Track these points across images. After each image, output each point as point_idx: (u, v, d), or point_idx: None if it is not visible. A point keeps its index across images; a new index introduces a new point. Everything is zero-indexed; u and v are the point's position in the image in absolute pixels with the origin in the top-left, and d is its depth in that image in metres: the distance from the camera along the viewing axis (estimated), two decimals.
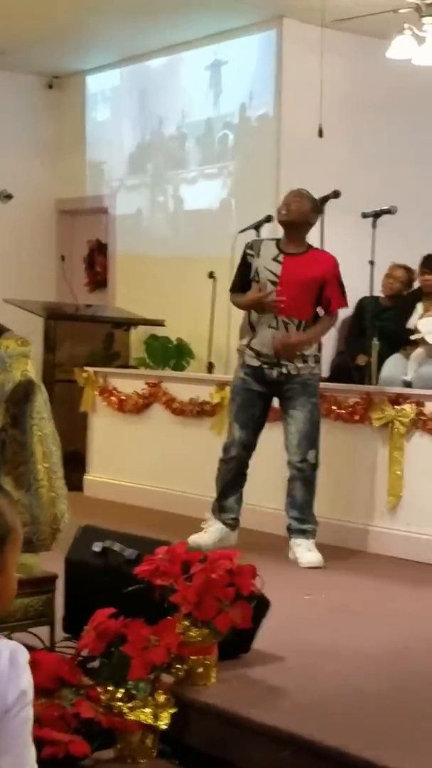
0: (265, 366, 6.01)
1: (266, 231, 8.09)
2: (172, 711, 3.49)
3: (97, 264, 10.85)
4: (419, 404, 6.04)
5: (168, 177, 10.08)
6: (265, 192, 9.05)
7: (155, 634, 3.57)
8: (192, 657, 3.73)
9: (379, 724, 3.35)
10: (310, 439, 5.99)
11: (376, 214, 7.09)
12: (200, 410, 7.28)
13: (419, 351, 7.05)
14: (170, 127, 10.02)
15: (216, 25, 9.09)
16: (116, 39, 9.65)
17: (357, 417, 6.31)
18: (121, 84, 10.50)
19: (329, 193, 7.01)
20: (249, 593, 3.80)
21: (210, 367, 8.54)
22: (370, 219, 7.08)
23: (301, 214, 6.00)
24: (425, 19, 7.48)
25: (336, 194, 7.03)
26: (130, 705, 3.46)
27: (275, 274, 5.94)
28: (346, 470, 6.34)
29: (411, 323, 7.32)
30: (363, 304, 7.80)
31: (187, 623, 3.74)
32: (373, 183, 8.89)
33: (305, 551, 5.90)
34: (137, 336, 9.53)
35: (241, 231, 8.29)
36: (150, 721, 3.45)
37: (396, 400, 6.14)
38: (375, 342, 7.01)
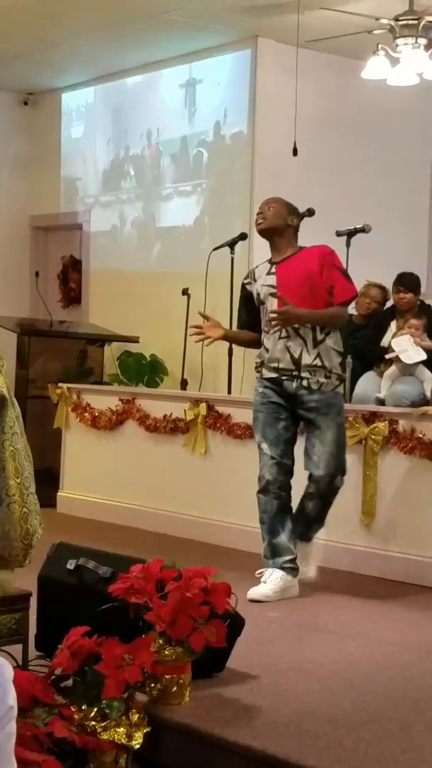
0: (284, 378, 5.61)
1: (240, 248, 8.13)
2: (146, 730, 3.48)
3: (71, 280, 10.85)
4: (392, 422, 6.06)
5: (142, 194, 10.10)
6: (239, 210, 9.08)
7: (129, 653, 3.56)
8: (166, 676, 3.72)
9: (351, 743, 3.35)
10: (337, 460, 5.64)
11: (350, 233, 7.12)
12: (174, 427, 7.28)
13: (392, 369, 7.08)
14: (145, 144, 10.04)
15: (191, 43, 9.12)
16: (91, 57, 9.68)
17: None
18: (96, 101, 10.53)
19: (303, 212, 7.01)
20: (223, 612, 3.79)
21: (184, 384, 8.54)
22: (344, 237, 7.10)
23: (278, 217, 5.78)
24: (399, 40, 7.52)
25: (310, 212, 7.04)
26: (103, 724, 3.44)
27: (273, 286, 5.69)
28: None
29: (384, 341, 7.35)
30: None
31: (161, 642, 3.72)
32: (347, 202, 8.93)
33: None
34: (111, 352, 9.53)
35: (215, 248, 8.32)
36: (123, 741, 3.43)
37: (369, 417, 6.16)
38: (349, 360, 7.02)
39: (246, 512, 6.71)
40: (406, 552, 5.97)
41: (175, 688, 3.73)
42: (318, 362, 5.58)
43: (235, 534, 6.73)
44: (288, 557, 5.57)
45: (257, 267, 5.95)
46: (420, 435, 5.93)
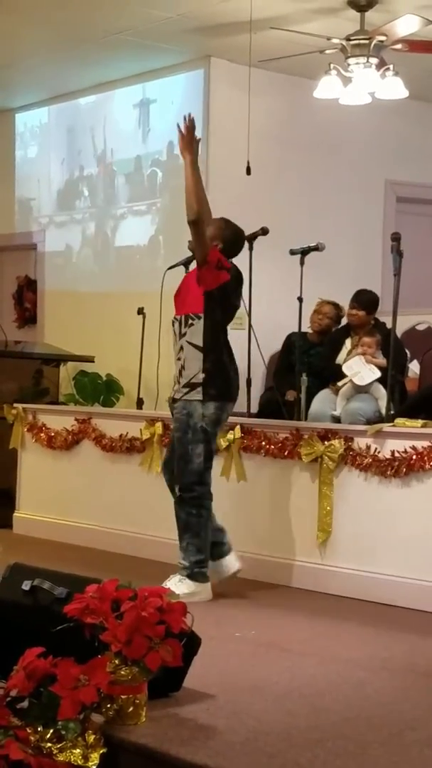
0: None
1: (194, 267, 8.14)
2: (102, 751, 3.46)
3: (26, 300, 10.84)
4: (348, 439, 6.08)
5: (97, 213, 10.11)
6: None
7: (85, 674, 3.54)
8: (122, 696, 3.70)
9: (306, 760, 3.35)
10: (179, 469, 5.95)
11: (304, 251, 7.15)
12: (130, 446, 7.28)
13: (347, 387, 7.11)
14: (99, 164, 10.06)
15: (144, 63, 9.17)
16: (45, 77, 9.70)
17: (286, 452, 6.34)
18: (50, 121, 10.54)
19: (257, 230, 7.07)
20: (179, 631, 3.79)
21: (140, 403, 8.54)
22: (298, 256, 7.14)
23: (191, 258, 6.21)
24: (351, 60, 7.58)
25: (264, 231, 7.09)
26: (59, 746, 3.42)
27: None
28: (276, 506, 6.36)
29: (339, 359, 7.39)
30: (291, 339, 7.86)
31: (117, 662, 3.71)
32: (300, 220, 8.99)
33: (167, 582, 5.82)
34: (67, 372, 9.52)
35: (170, 267, 8.28)
36: (80, 762, 3.41)
37: (325, 435, 6.18)
38: (304, 378, 7.05)
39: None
40: (362, 569, 5.99)
41: (131, 708, 3.71)
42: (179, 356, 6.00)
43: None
44: (184, 563, 5.96)
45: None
46: (375, 452, 5.95)
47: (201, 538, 5.89)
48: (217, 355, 5.90)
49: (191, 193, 5.83)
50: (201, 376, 5.84)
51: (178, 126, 5.81)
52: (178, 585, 5.81)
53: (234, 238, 6.12)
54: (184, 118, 5.77)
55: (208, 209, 5.89)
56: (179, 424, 5.91)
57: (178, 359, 5.95)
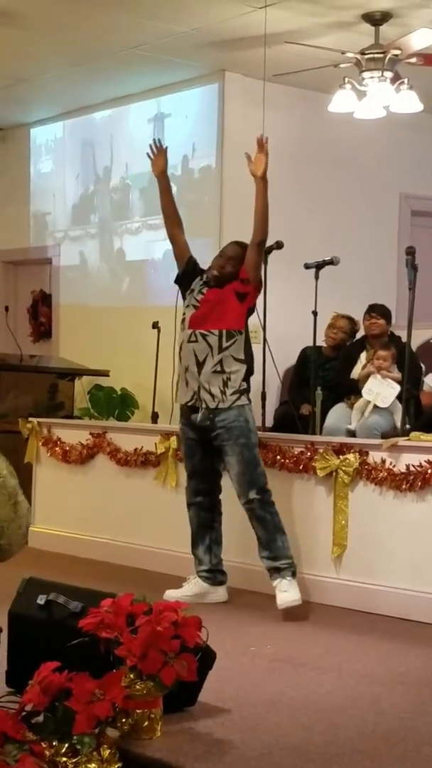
0: (190, 403, 6.11)
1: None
2: (117, 766, 3.46)
3: (41, 314, 10.86)
4: (363, 453, 6.07)
5: (111, 228, 10.14)
6: (207, 243, 9.10)
7: (100, 688, 3.54)
8: (137, 710, 3.70)
9: None
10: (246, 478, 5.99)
11: (319, 265, 7.15)
12: (144, 460, 7.27)
13: (363, 400, 7.09)
14: (114, 178, 10.10)
15: (159, 78, 9.19)
16: (60, 92, 9.73)
17: (301, 466, 6.33)
18: (65, 136, 10.58)
19: (272, 244, 7.06)
20: (194, 645, 3.78)
21: (154, 417, 8.54)
22: (313, 270, 7.14)
23: (230, 265, 6.13)
24: (365, 74, 7.60)
25: (279, 245, 7.09)
26: (74, 760, 3.42)
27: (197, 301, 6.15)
28: (291, 520, 6.34)
29: (354, 373, 7.38)
30: (306, 353, 7.85)
31: (132, 676, 3.71)
32: (315, 234, 8.99)
33: (279, 591, 5.85)
34: (82, 386, 9.53)
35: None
36: None
37: (340, 449, 6.17)
38: (319, 392, 7.05)
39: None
40: (377, 583, 5.97)
41: (146, 723, 3.71)
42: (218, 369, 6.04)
43: None
44: (203, 567, 6.23)
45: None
46: (390, 466, 5.94)
47: (286, 535, 6.00)
48: (249, 365, 6.31)
49: (266, 215, 6.10)
50: (244, 384, 6.08)
51: (248, 156, 6.12)
52: (294, 586, 5.87)
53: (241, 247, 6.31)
54: (261, 141, 6.14)
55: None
56: (239, 431, 5.97)
57: (218, 372, 6.00)
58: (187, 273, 6.27)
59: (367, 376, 7.14)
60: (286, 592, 5.83)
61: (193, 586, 6.19)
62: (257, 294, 6.17)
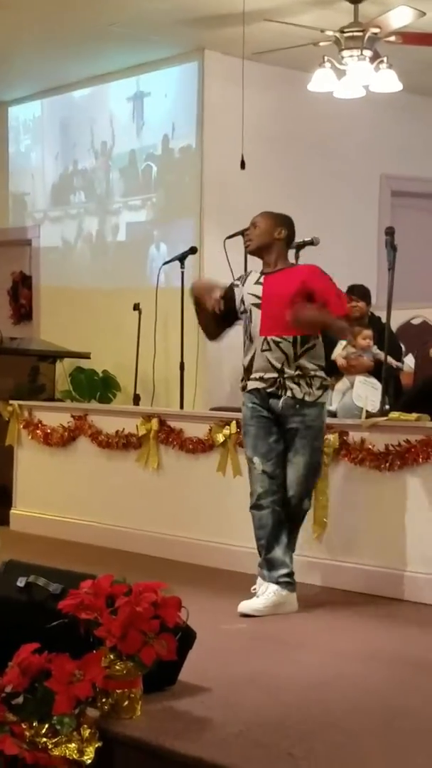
0: (269, 389, 5.58)
1: (190, 262, 8.15)
2: (98, 745, 3.47)
3: (21, 296, 10.83)
4: (343, 434, 6.08)
5: (91, 208, 10.10)
6: (188, 223, 9.10)
7: (80, 669, 3.55)
8: (117, 690, 3.71)
9: (301, 752, 3.36)
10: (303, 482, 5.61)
11: (299, 246, 7.12)
12: (126, 442, 7.26)
13: (343, 382, 7.11)
14: (93, 158, 10.04)
15: (138, 56, 9.16)
16: (38, 70, 9.69)
17: None
18: (44, 115, 10.52)
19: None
20: (174, 625, 3.79)
21: (136, 399, 8.54)
22: (293, 250, 7.11)
23: (263, 235, 5.74)
24: (344, 52, 7.58)
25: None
26: (54, 740, 3.43)
27: (257, 296, 5.62)
28: None
29: (334, 354, 7.37)
30: None
31: (112, 657, 3.71)
32: (295, 214, 8.93)
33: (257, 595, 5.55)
34: (63, 368, 9.51)
35: (166, 263, 8.34)
36: (75, 756, 3.42)
37: None
38: None
39: (197, 526, 6.73)
40: (357, 562, 5.99)
41: (126, 703, 3.72)
42: (299, 372, 5.54)
43: (187, 548, 6.73)
44: (283, 571, 5.53)
45: (251, 273, 5.87)
46: (369, 446, 5.95)
47: None
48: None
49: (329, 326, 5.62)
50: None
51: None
52: (270, 598, 5.48)
53: (290, 221, 5.93)
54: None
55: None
56: (314, 431, 5.59)
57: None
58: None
59: (346, 358, 7.15)
60: (256, 599, 5.49)
61: (271, 596, 5.49)
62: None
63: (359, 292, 7.56)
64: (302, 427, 5.55)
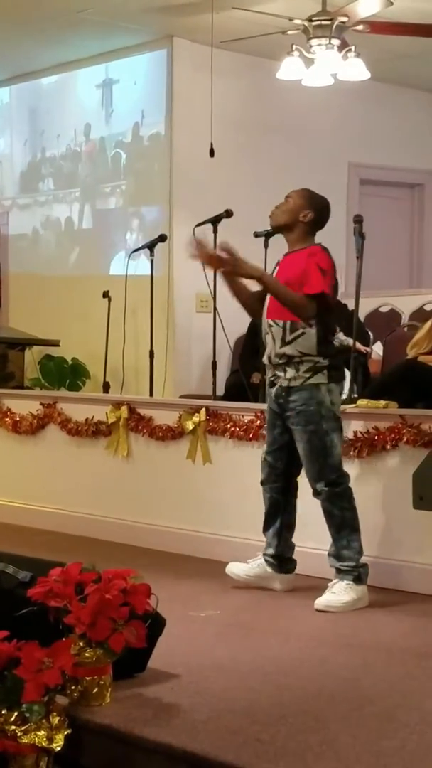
0: (271, 378, 5.56)
1: (159, 250, 8.14)
2: (67, 732, 3.48)
3: None
4: None
5: (60, 196, 10.08)
6: (158, 211, 9.10)
7: (49, 656, 3.56)
8: (87, 678, 3.73)
9: (268, 737, 3.40)
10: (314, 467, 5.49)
11: (268, 234, 7.15)
12: (96, 430, 7.26)
13: None
14: (62, 145, 10.02)
15: (106, 43, 9.14)
16: (6, 56, 9.65)
17: (251, 434, 6.36)
18: (12, 101, 10.49)
19: (221, 213, 7.07)
20: (143, 612, 3.81)
21: (106, 387, 8.54)
22: (262, 238, 7.14)
23: (288, 213, 5.68)
24: (313, 41, 7.59)
25: (228, 214, 7.09)
26: (23, 728, 3.44)
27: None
28: (243, 489, 6.37)
29: None
30: (256, 323, 7.84)
31: (81, 644, 3.74)
32: (264, 202, 8.95)
33: (328, 591, 5.42)
34: (32, 356, 9.50)
35: (135, 250, 8.33)
36: (44, 744, 3.43)
37: None
38: None
39: (167, 513, 6.74)
40: (321, 547, 6.02)
41: (95, 690, 3.74)
42: (284, 360, 5.44)
43: (156, 535, 6.75)
44: (269, 551, 5.71)
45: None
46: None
47: (360, 533, 5.53)
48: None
49: (285, 301, 5.40)
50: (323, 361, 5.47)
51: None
52: (347, 592, 5.35)
53: (323, 205, 5.85)
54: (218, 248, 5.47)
55: (304, 301, 5.40)
56: (305, 416, 5.39)
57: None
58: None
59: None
60: (333, 595, 5.36)
61: (256, 567, 5.70)
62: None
63: None
64: (293, 415, 5.46)
